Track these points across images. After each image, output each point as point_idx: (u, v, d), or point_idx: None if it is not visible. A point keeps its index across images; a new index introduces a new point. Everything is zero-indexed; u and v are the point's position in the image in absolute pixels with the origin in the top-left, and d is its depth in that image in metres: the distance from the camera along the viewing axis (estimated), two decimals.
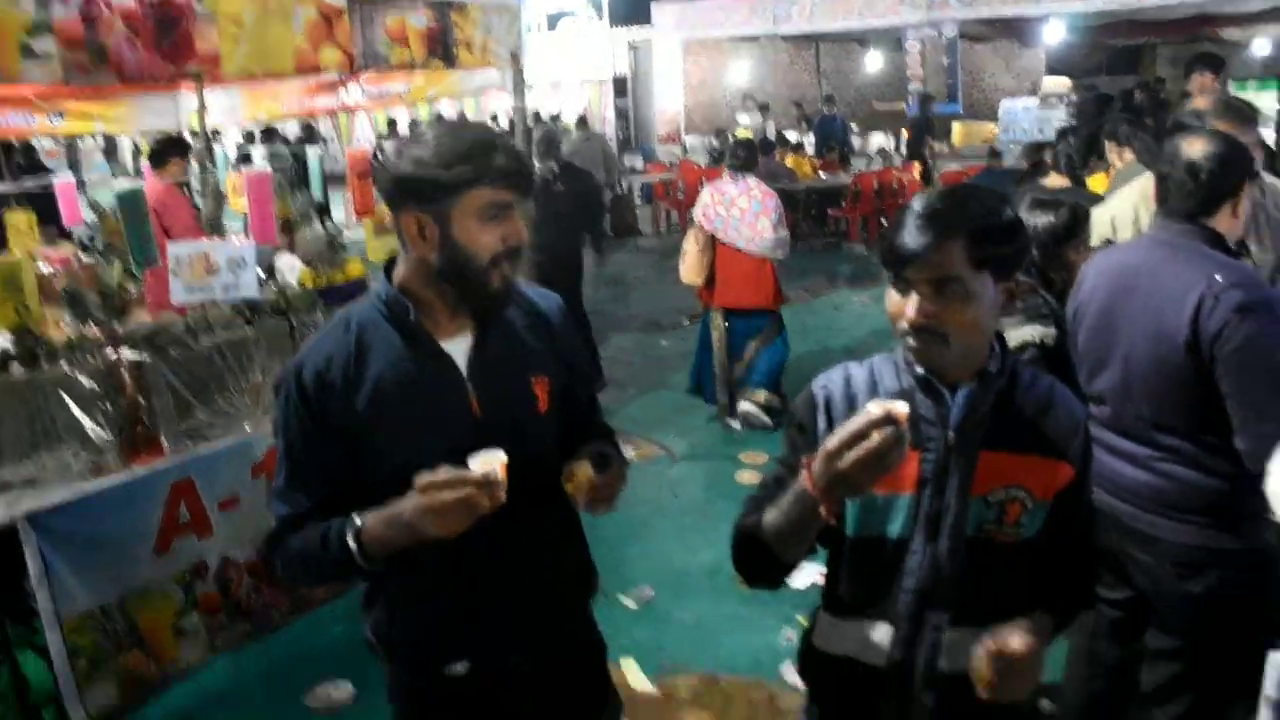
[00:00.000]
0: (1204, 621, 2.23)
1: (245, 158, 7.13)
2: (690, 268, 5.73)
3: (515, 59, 5.50)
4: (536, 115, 12.12)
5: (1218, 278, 2.08)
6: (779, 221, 5.55)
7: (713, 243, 5.64)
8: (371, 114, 10.92)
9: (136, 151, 11.32)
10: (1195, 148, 2.23)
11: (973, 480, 1.48)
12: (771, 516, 1.46)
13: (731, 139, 10.41)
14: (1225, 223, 2.23)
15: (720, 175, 6.17)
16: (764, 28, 15.07)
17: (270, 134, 10.88)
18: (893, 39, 17.35)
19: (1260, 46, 15.88)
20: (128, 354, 3.38)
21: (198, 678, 3.45)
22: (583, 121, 13.00)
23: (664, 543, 4.40)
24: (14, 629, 3.04)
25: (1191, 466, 2.16)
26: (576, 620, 1.89)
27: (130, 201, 3.82)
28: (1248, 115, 3.43)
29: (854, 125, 15.34)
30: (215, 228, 5.39)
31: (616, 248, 11.54)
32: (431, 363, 1.62)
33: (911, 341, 1.46)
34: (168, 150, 5.89)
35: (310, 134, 11.72)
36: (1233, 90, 7.63)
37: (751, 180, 5.62)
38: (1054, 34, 14.87)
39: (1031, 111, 13.24)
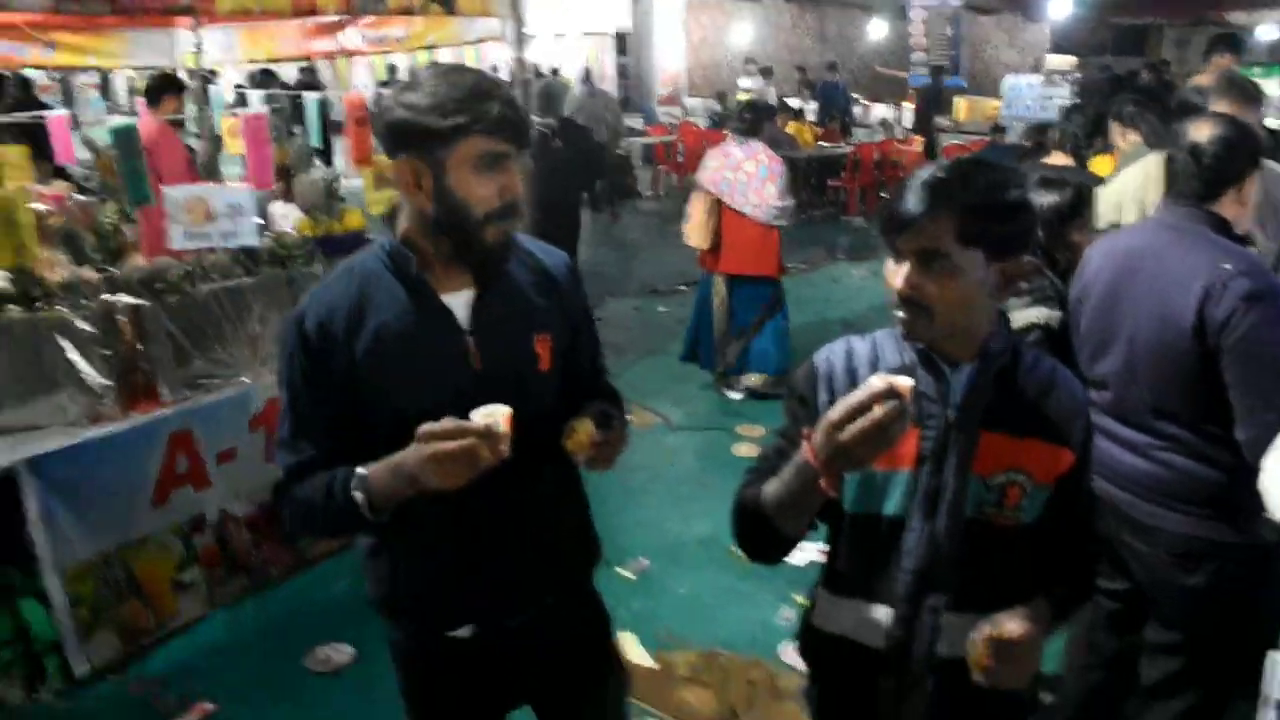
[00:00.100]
0: (1203, 616, 2.23)
1: (243, 100, 7.00)
2: (696, 231, 5.65)
3: (515, 6, 5.37)
4: (536, 70, 11.92)
5: (1225, 265, 2.06)
6: (785, 188, 5.47)
7: (718, 207, 5.55)
8: (371, 60, 10.73)
9: (132, 90, 11.10)
10: (1201, 131, 2.20)
11: (972, 459, 1.47)
12: (772, 488, 1.46)
13: (737, 103, 10.30)
14: (1231, 208, 2.20)
15: (723, 139, 6.09)
16: None
17: (269, 76, 10.68)
18: (897, 6, 17.14)
19: (1266, 32, 15.74)
20: (126, 298, 3.34)
21: (196, 632, 3.45)
22: (587, 76, 12.68)
23: (660, 510, 4.41)
24: (15, 576, 3.04)
25: (1191, 456, 2.15)
26: (580, 590, 1.89)
27: (124, 136, 3.75)
28: (1251, 94, 3.36)
29: (857, 95, 15.17)
30: (211, 172, 5.32)
31: (617, 209, 11.44)
32: (432, 316, 1.61)
33: (900, 313, 1.45)
34: (163, 87, 5.78)
35: (312, 76, 11.49)
36: None
37: (758, 145, 5.51)
38: (1059, 9, 14.71)
39: (1035, 88, 13.14)
